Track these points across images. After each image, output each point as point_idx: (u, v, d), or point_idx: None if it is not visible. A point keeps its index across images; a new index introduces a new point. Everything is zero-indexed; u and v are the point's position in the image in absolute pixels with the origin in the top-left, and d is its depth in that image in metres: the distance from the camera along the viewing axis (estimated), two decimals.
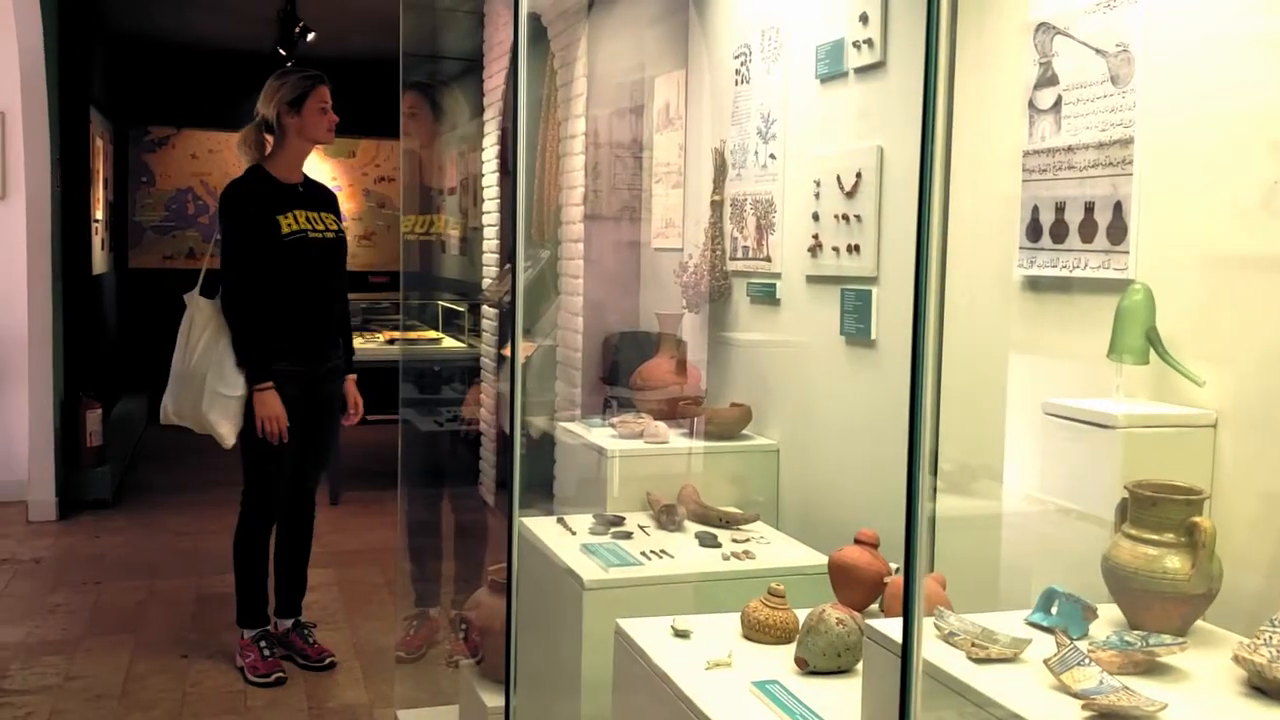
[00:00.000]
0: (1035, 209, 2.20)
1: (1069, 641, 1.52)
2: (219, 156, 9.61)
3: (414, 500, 4.17)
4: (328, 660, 3.92)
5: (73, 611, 4.46)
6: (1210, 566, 1.59)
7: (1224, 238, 1.84)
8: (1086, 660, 1.48)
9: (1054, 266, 2.15)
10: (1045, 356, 2.22)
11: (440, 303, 7.83)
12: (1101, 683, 1.44)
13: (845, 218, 2.83)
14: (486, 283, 6.16)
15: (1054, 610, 1.68)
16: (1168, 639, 1.56)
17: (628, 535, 2.81)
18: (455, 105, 4.90)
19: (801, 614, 2.10)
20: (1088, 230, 2.07)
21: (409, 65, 4.13)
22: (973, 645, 1.57)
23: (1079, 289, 2.11)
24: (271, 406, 3.66)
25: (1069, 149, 2.12)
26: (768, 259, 3.23)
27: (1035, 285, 2.23)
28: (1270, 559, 1.73)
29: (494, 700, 2.87)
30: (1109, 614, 1.69)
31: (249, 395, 3.67)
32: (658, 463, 3.21)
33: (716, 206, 3.48)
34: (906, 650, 1.16)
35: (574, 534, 2.83)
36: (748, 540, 2.79)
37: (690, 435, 3.29)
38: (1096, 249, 2.05)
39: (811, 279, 3.02)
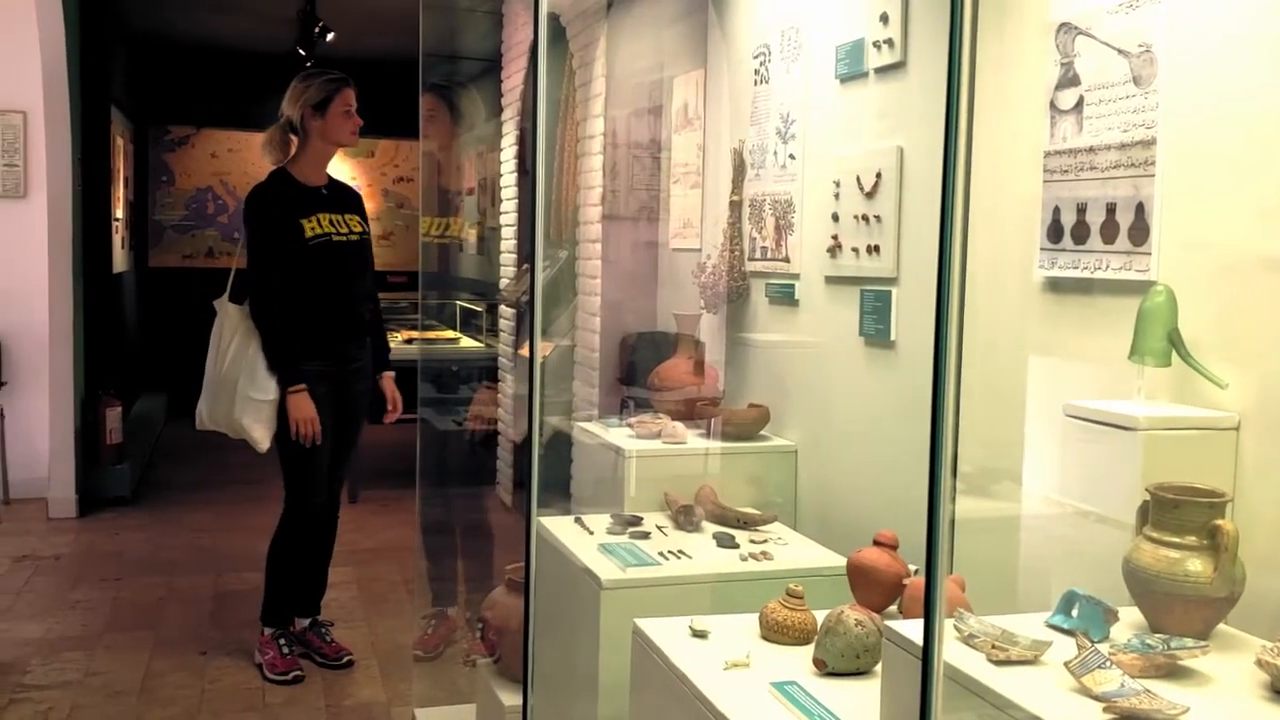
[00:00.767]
0: (1056, 210, 2.19)
1: (1090, 644, 1.51)
2: (238, 156, 9.66)
3: (432, 499, 4.19)
4: (345, 659, 3.93)
5: (92, 608, 4.49)
6: (1233, 570, 1.58)
7: (1247, 239, 1.82)
8: (1108, 663, 1.47)
9: (1075, 268, 2.14)
10: (1065, 358, 2.21)
11: (458, 303, 7.85)
12: (1123, 686, 1.44)
13: (865, 218, 2.83)
14: (504, 283, 6.17)
15: (1074, 613, 1.68)
16: (1189, 642, 1.55)
17: (645, 535, 2.81)
18: (473, 107, 4.91)
19: (820, 615, 2.10)
20: (1109, 231, 2.06)
21: (428, 65, 4.13)
22: (993, 647, 1.56)
23: (1100, 290, 2.10)
24: (304, 409, 3.68)
25: (1091, 150, 2.11)
26: (786, 259, 3.23)
27: (1056, 286, 2.22)
28: None
29: (511, 699, 2.87)
30: (1130, 617, 1.69)
31: (281, 399, 3.68)
32: (675, 463, 3.21)
33: (735, 207, 3.47)
34: (928, 652, 1.15)
35: (591, 534, 2.83)
36: (765, 541, 2.79)
37: (708, 436, 3.29)
38: (1118, 250, 2.04)
39: (830, 279, 3.01)
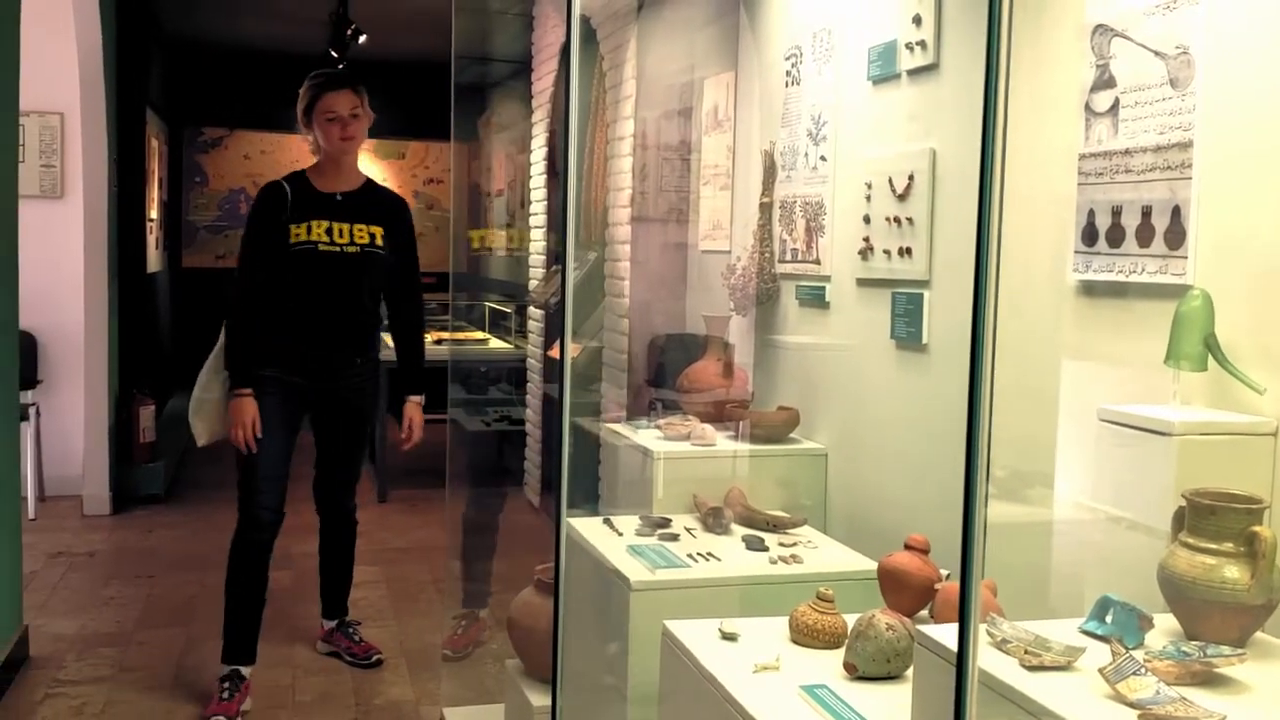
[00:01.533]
0: (1091, 213, 2.17)
1: (1124, 650, 1.50)
2: (271, 157, 9.73)
3: (462, 499, 4.20)
4: (375, 658, 3.94)
5: (126, 604, 4.53)
6: (1270, 577, 1.56)
7: None
8: (1143, 670, 1.46)
9: (1110, 271, 2.13)
10: (1099, 362, 2.19)
11: (487, 304, 7.88)
12: (1158, 693, 1.42)
13: (897, 220, 2.82)
14: (533, 284, 6.19)
15: (1109, 619, 1.66)
16: (1226, 650, 1.53)
17: (674, 537, 2.81)
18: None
19: (850, 619, 2.09)
20: (1145, 234, 2.05)
21: (459, 67, 4.14)
22: (1025, 653, 1.55)
23: (1135, 294, 2.09)
24: (241, 413, 3.47)
25: (1126, 152, 2.09)
26: (817, 261, 3.22)
27: (1090, 290, 2.20)
28: None
29: (540, 699, 2.88)
30: (1164, 623, 1.67)
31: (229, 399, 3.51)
32: (704, 465, 3.21)
33: (765, 208, 3.47)
34: (962, 658, 1.15)
35: (620, 535, 2.83)
36: (795, 544, 2.78)
37: (737, 438, 3.28)
38: (1154, 254, 2.03)
39: (862, 282, 3.01)
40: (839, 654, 2.04)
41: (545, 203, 6.06)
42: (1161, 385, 1.93)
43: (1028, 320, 2.34)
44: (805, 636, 2.14)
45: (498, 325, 7.58)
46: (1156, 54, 2.03)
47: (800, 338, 3.36)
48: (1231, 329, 1.86)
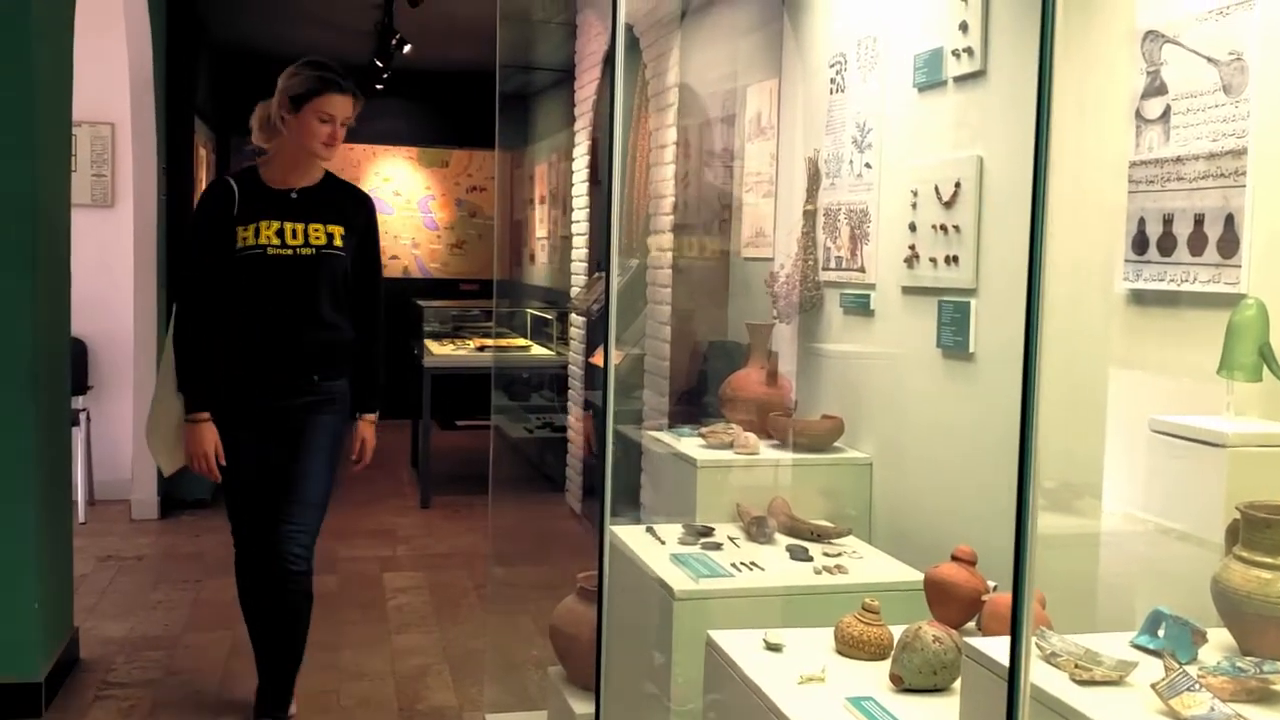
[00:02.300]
0: (1141, 221, 2.15)
1: (1177, 666, 1.48)
2: None
3: (504, 505, 4.21)
4: None
5: (173, 608, 4.58)
6: None
7: None
8: (1197, 685, 1.44)
9: (1161, 280, 2.10)
10: (1150, 372, 2.16)
11: (529, 310, 7.91)
12: (1213, 710, 1.40)
13: (943, 228, 2.80)
14: (575, 291, 6.21)
15: (1161, 633, 1.64)
16: None
17: (717, 546, 2.81)
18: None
19: (896, 630, 2.08)
20: (1197, 243, 2.02)
21: (504, 76, 4.15)
22: (1076, 666, 1.53)
23: (1187, 303, 2.06)
24: (197, 442, 3.16)
25: (1178, 160, 2.07)
26: (862, 269, 3.20)
27: (1141, 299, 2.17)
28: None
29: (583, 708, 2.88)
30: (1218, 638, 1.64)
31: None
32: (747, 474, 3.20)
33: (809, 216, 3.46)
34: (1014, 671, 1.13)
35: (663, 543, 2.83)
36: (839, 554, 2.76)
37: (780, 447, 3.27)
38: (1206, 262, 2.00)
39: (907, 290, 2.99)
40: (885, 666, 2.03)
41: (587, 210, 6.08)
42: (1214, 396, 1.90)
43: (1077, 329, 2.32)
44: (850, 648, 2.13)
45: (539, 332, 7.61)
46: (1209, 60, 2.01)
47: (844, 346, 3.34)
48: None
